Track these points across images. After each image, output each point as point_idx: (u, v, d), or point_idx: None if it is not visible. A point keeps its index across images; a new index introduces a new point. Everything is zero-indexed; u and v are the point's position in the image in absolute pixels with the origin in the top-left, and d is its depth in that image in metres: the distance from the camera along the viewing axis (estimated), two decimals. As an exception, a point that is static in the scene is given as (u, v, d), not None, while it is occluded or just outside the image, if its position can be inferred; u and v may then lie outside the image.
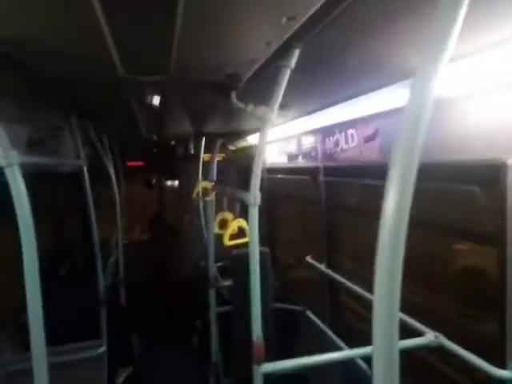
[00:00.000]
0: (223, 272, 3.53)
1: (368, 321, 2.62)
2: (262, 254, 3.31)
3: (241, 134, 2.92)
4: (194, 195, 2.61)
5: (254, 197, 1.47)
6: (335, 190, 2.79)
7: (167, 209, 6.84)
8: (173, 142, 5.00)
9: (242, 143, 4.73)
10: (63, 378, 2.53)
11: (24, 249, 1.29)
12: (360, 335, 2.64)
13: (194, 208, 4.23)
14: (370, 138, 2.15)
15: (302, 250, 3.41)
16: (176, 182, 6.92)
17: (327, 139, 2.68)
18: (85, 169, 2.70)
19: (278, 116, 1.55)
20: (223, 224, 2.03)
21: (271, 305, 3.18)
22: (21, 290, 1.33)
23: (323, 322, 2.97)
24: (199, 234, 4.04)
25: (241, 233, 1.88)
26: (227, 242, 1.84)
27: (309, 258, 3.17)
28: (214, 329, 3.00)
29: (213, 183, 2.63)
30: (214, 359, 2.99)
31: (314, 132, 2.84)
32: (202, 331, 3.78)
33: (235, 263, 3.33)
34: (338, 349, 2.59)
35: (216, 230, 2.02)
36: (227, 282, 3.53)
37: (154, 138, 3.98)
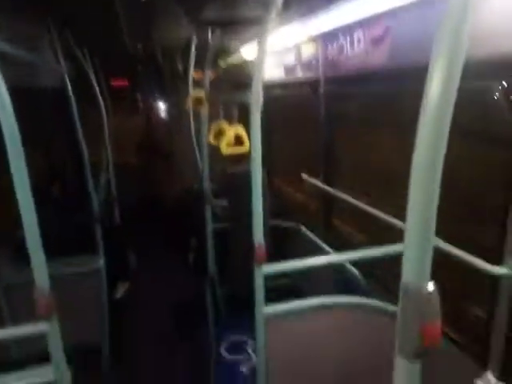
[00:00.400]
0: (217, 193, 3.51)
1: (365, 232, 2.67)
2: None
3: (242, 27, 2.64)
4: (187, 106, 2.45)
5: (257, 99, 1.36)
6: (336, 102, 2.64)
7: (156, 131, 6.64)
8: (159, 57, 4.64)
9: (233, 59, 4.42)
10: (63, 291, 2.61)
11: (11, 160, 1.14)
12: (355, 247, 2.71)
13: (185, 126, 4.06)
14: (378, 40, 1.97)
15: (298, 169, 3.36)
16: (164, 104, 6.62)
17: (330, 46, 2.47)
18: (67, 78, 2.50)
19: (279, 18, 1.37)
20: (219, 135, 1.92)
21: (266, 222, 3.21)
22: (14, 206, 1.25)
23: (318, 237, 3.04)
24: (192, 153, 3.92)
25: (239, 142, 1.79)
26: (225, 151, 1.75)
27: (304, 175, 3.13)
28: (210, 244, 3.05)
29: (206, 92, 2.45)
30: (211, 272, 3.09)
31: (315, 39, 2.61)
32: (197, 248, 3.87)
33: (231, 181, 3.30)
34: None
35: (211, 140, 1.92)
36: (221, 202, 3.54)
37: (139, 48, 3.67)
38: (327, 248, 2.82)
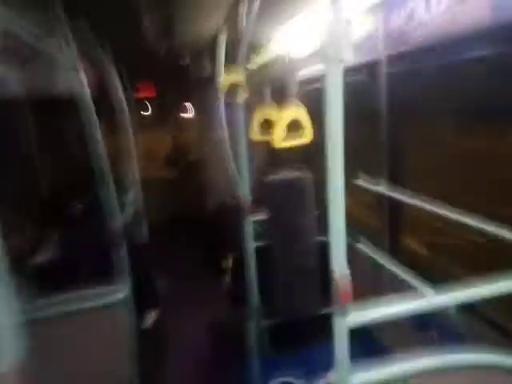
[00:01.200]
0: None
1: (454, 250, 2.09)
2: (302, 179, 2.80)
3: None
4: (221, 91, 2.00)
5: (337, 47, 0.87)
6: (406, 85, 2.10)
7: (185, 143, 6.35)
8: (186, 61, 4.29)
9: (263, 57, 4.01)
10: (84, 325, 2.24)
11: None
12: (438, 270, 2.14)
13: (216, 132, 3.63)
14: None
15: (350, 172, 2.83)
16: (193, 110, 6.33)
17: (394, 16, 1.98)
18: (84, 80, 2.12)
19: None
20: (267, 126, 1.46)
21: (314, 238, 2.70)
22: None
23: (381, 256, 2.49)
24: (224, 160, 3.44)
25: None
26: (279, 144, 1.26)
27: (360, 181, 2.60)
28: (251, 265, 2.54)
29: (244, 73, 1.89)
30: (254, 300, 2.58)
31: (372, 10, 2.13)
32: (234, 270, 3.40)
33: (270, 191, 2.82)
34: (405, 285, 2.12)
35: (256, 135, 1.45)
36: (258, 216, 3.06)
37: (163, 48, 3.32)
38: (397, 270, 2.26)
